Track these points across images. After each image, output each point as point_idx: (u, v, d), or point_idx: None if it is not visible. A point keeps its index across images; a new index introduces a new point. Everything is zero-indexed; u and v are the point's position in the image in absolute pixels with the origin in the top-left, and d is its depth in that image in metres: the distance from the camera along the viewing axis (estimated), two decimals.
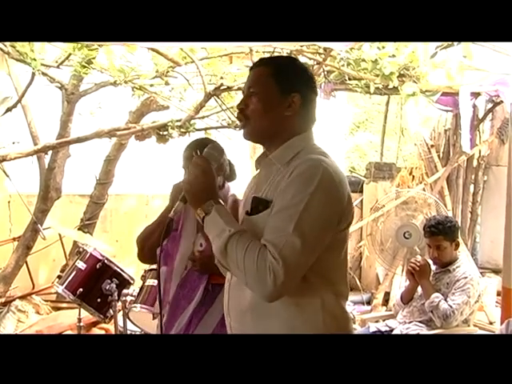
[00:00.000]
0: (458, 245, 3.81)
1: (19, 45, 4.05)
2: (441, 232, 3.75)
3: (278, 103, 1.83)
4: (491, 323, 5.73)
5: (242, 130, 1.90)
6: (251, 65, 1.98)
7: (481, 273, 6.07)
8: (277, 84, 1.83)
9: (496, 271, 6.83)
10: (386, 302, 6.34)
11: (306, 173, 1.71)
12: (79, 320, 3.99)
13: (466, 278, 3.68)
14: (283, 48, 4.37)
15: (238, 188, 2.58)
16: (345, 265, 1.87)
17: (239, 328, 1.84)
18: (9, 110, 4.68)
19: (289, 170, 1.75)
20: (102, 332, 4.79)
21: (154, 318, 3.49)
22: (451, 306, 3.58)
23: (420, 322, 3.73)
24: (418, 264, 3.77)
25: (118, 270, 3.64)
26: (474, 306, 3.73)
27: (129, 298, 3.59)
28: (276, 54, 4.18)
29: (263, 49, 4.44)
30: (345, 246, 1.83)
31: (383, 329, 3.90)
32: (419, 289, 3.80)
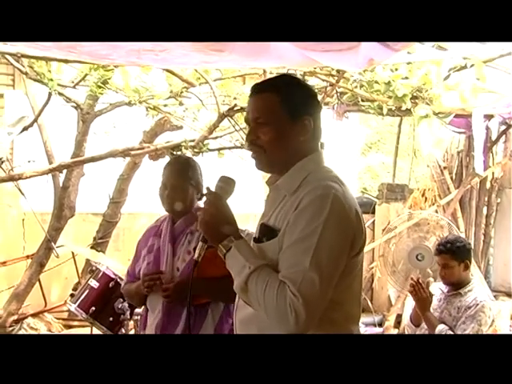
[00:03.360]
0: (467, 266, 3.76)
1: (37, 65, 4.12)
2: (448, 251, 3.72)
3: (291, 130, 1.77)
4: None
5: (254, 161, 1.83)
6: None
7: (494, 296, 6.01)
8: (287, 111, 1.77)
9: (510, 294, 6.76)
10: (398, 324, 6.28)
11: (315, 203, 1.67)
12: None
13: (477, 305, 3.61)
14: (296, 70, 4.41)
15: (252, 207, 2.59)
16: (357, 288, 1.82)
17: None
18: (25, 129, 4.75)
19: (297, 198, 1.70)
20: None
21: None
22: None
23: None
24: (419, 292, 3.72)
25: None
26: (488, 331, 3.68)
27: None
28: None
29: (276, 70, 4.47)
30: (356, 269, 1.78)
31: None
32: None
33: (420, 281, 3.74)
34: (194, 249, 1.91)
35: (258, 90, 1.84)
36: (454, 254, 3.70)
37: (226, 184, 1.85)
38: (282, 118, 1.77)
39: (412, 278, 3.80)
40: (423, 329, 3.79)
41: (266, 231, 1.76)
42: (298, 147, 1.79)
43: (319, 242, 1.63)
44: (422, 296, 3.68)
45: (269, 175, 1.93)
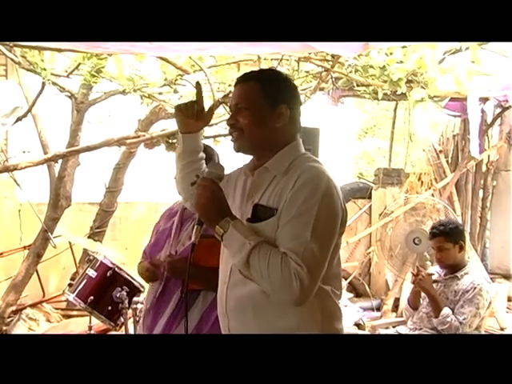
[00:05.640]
0: (462, 247, 3.78)
1: (30, 55, 4.09)
2: (441, 233, 3.76)
3: (268, 116, 1.93)
4: (502, 329, 5.70)
5: (233, 144, 1.97)
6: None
7: (491, 278, 6.03)
8: (265, 98, 1.93)
9: (506, 276, 6.80)
10: (395, 308, 6.32)
11: (312, 181, 1.83)
12: (90, 328, 4.01)
13: (474, 288, 3.63)
14: (291, 55, 4.39)
15: None
16: (339, 265, 1.97)
17: (239, 327, 1.93)
18: (19, 119, 4.71)
19: (291, 179, 1.85)
20: None
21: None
22: (461, 322, 3.55)
23: (431, 329, 3.71)
24: (422, 274, 3.74)
25: (129, 277, 3.65)
26: (485, 313, 3.69)
27: (139, 306, 3.59)
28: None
29: (271, 56, 4.45)
30: (339, 248, 1.93)
31: None
32: None
33: (419, 271, 3.77)
34: None
35: (242, 79, 2.01)
36: (447, 235, 3.74)
37: (216, 169, 1.96)
38: (261, 104, 1.93)
39: (412, 273, 3.83)
40: (421, 312, 3.82)
41: (262, 211, 1.87)
42: (274, 132, 1.94)
43: (317, 216, 1.78)
44: (424, 281, 3.71)
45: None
